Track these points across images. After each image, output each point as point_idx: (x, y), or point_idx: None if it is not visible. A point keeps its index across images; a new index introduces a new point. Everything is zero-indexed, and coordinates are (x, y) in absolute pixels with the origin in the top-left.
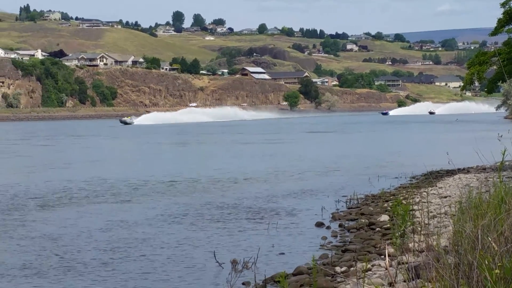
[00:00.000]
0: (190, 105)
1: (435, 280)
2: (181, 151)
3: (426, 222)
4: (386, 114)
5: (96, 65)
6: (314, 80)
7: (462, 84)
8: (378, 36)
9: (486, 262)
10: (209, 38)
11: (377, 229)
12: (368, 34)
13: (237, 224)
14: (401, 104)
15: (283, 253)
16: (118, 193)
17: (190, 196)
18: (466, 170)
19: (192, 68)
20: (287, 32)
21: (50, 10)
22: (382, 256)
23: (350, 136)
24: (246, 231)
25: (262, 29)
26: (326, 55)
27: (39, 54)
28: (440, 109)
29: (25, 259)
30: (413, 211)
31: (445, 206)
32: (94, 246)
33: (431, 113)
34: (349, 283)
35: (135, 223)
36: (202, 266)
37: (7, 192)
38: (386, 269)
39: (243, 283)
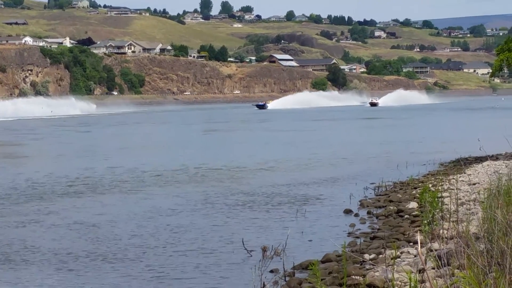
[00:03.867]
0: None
1: (466, 267)
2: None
3: (455, 209)
4: (262, 107)
5: (124, 53)
6: (342, 67)
7: (490, 71)
8: (406, 23)
9: None
10: (237, 25)
11: (406, 216)
12: (396, 21)
13: (265, 212)
14: (429, 89)
15: (311, 240)
16: (145, 181)
17: (217, 184)
18: (495, 157)
19: (220, 55)
20: (315, 19)
21: None
22: (411, 243)
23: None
24: (274, 219)
25: (290, 16)
26: (354, 42)
27: (67, 42)
28: (384, 99)
29: (59, 246)
30: (442, 198)
31: (474, 193)
32: (123, 234)
33: (372, 104)
34: (378, 270)
35: (161, 211)
36: (230, 253)
37: (45, 178)
38: (416, 256)
39: (271, 271)
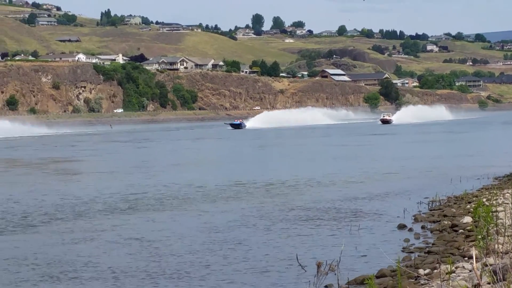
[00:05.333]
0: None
1: None
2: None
3: (510, 223)
4: (239, 126)
5: (177, 69)
6: (394, 81)
7: None
8: (459, 37)
9: None
10: (289, 40)
11: (460, 230)
12: (448, 34)
13: (319, 226)
14: (482, 103)
15: (365, 255)
16: (197, 197)
17: (271, 199)
18: None
19: (272, 70)
20: (367, 34)
21: (130, 15)
22: (466, 258)
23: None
24: (327, 234)
25: (341, 31)
26: (406, 56)
27: (120, 59)
28: (399, 115)
29: (115, 263)
30: (497, 213)
31: None
32: (177, 251)
33: (384, 121)
34: (433, 285)
35: (215, 228)
36: (285, 268)
37: (100, 194)
38: (471, 271)
39: (326, 286)
